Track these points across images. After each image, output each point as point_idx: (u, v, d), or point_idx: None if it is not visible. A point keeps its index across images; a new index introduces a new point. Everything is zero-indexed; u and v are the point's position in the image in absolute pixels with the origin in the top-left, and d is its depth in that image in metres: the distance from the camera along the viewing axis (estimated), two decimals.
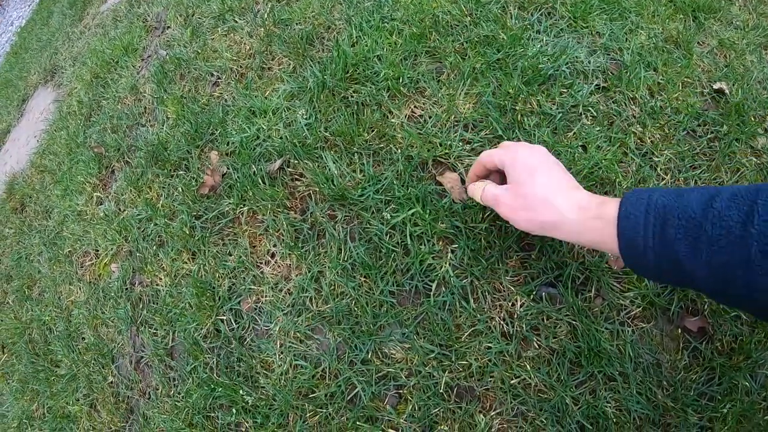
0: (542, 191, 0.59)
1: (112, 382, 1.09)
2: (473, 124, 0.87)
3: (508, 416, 0.79)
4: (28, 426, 1.48)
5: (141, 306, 1.07)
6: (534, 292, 0.81)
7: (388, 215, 0.81)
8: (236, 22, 1.21)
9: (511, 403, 0.79)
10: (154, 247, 1.04)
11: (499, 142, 0.87)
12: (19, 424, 1.51)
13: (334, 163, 0.87)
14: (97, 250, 1.25)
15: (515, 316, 0.80)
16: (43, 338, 1.40)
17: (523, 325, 0.80)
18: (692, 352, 0.81)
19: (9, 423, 1.59)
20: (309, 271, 0.85)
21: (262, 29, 1.12)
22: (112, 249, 1.18)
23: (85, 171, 1.35)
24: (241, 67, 1.11)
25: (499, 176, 0.70)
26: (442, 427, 0.79)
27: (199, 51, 1.22)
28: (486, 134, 0.86)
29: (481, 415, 0.79)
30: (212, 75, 1.15)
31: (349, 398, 0.82)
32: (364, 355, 0.81)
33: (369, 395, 0.80)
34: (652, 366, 0.81)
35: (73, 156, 1.47)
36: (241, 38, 1.16)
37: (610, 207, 0.53)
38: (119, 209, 1.21)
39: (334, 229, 0.85)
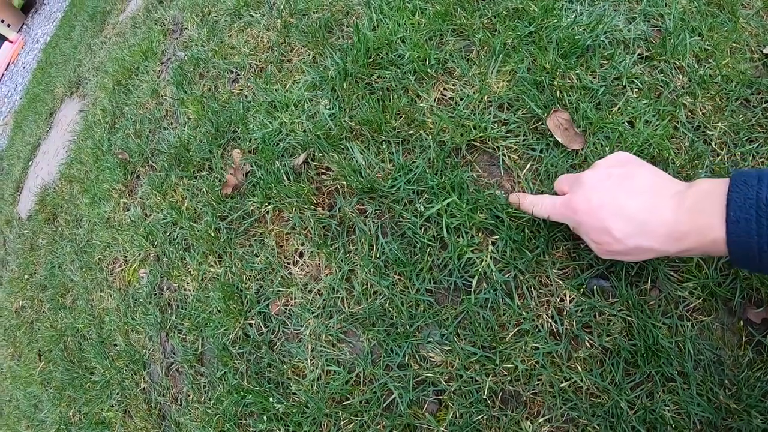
0: (619, 246, 0.53)
1: (144, 389, 1.04)
2: (509, 104, 0.79)
3: (557, 423, 0.71)
4: (66, 431, 1.47)
5: (170, 311, 1.02)
6: (584, 286, 0.72)
7: (422, 207, 0.73)
8: (252, 16, 1.15)
9: (561, 408, 0.70)
10: (181, 251, 0.99)
11: (537, 122, 0.79)
12: (57, 429, 1.50)
13: (361, 153, 0.79)
14: (126, 257, 1.21)
15: (564, 313, 0.71)
16: (77, 346, 1.38)
17: (574, 323, 0.71)
18: (756, 347, 0.71)
19: (48, 428, 1.59)
20: (339, 270, 0.78)
21: (279, 21, 1.06)
22: (139, 254, 1.14)
23: (111, 178, 1.32)
24: (259, 61, 1.05)
25: None
26: None
27: (217, 49, 1.16)
28: (523, 113, 0.78)
29: (528, 422, 0.71)
30: (231, 72, 1.09)
31: (385, 405, 0.75)
32: (401, 359, 0.74)
33: (407, 402, 0.73)
34: (713, 364, 0.72)
35: (99, 164, 1.45)
36: (258, 32, 1.09)
37: (710, 214, 0.45)
38: (145, 214, 1.17)
39: (365, 225, 0.77)
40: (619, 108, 0.79)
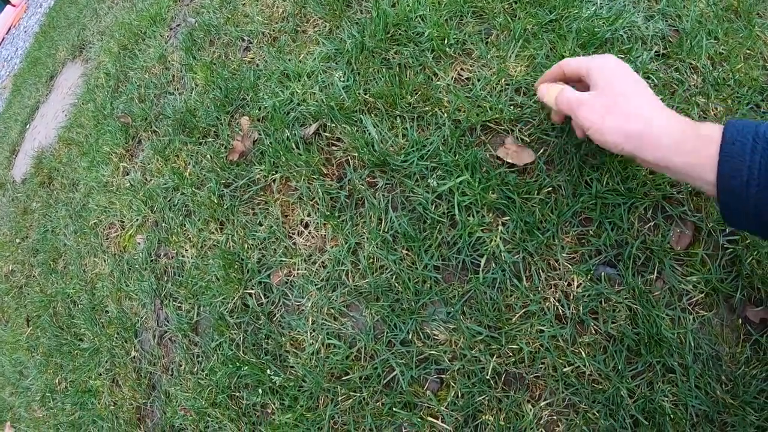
0: (634, 98, 0.51)
1: (134, 357, 1.02)
2: (525, 88, 0.77)
3: (558, 407, 0.70)
4: (51, 399, 1.44)
5: (166, 279, 0.99)
6: (592, 272, 0.71)
7: (435, 183, 0.71)
8: None
9: (563, 393, 0.70)
10: (181, 217, 0.96)
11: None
12: (42, 397, 1.46)
13: (374, 127, 0.77)
14: (123, 222, 1.18)
15: (571, 298, 0.71)
16: (67, 312, 1.35)
17: (580, 308, 0.70)
18: (753, 345, 0.71)
19: (33, 396, 1.55)
20: (346, 243, 0.76)
21: None
22: (137, 220, 1.10)
23: (112, 141, 1.28)
24: (273, 30, 1.02)
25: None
26: (486, 416, 0.70)
27: (230, 16, 1.13)
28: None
29: (530, 405, 0.70)
30: (243, 40, 1.06)
31: (385, 382, 0.74)
32: (404, 336, 0.72)
33: (408, 379, 0.71)
34: (712, 358, 0.72)
35: (100, 127, 1.41)
36: (274, 2, 1.06)
37: (710, 128, 0.46)
38: (145, 179, 1.13)
39: (374, 198, 0.76)
40: None
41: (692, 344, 0.71)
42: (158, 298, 1.00)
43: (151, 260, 1.04)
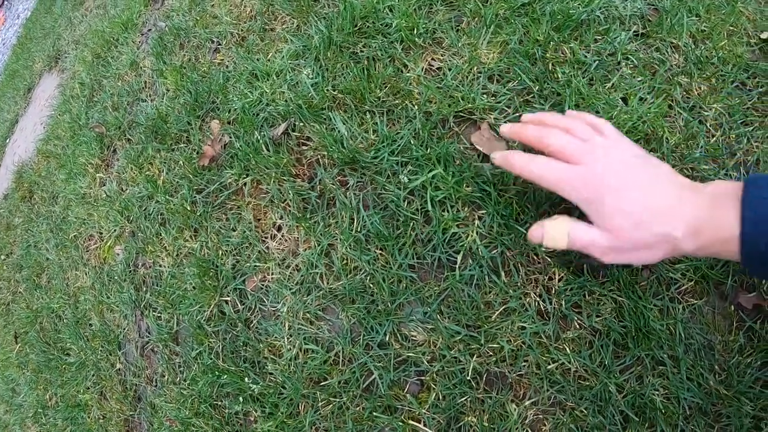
0: (639, 233, 0.47)
1: (119, 369, 1.00)
2: (499, 75, 0.74)
3: (544, 406, 0.67)
4: (43, 415, 1.42)
5: (144, 289, 0.97)
6: (574, 264, 0.68)
7: (406, 178, 0.68)
8: None
9: (548, 391, 0.67)
10: (156, 226, 0.94)
11: (528, 94, 0.74)
12: (35, 413, 1.45)
13: (343, 123, 0.75)
14: (101, 233, 1.15)
15: (553, 292, 0.68)
16: (53, 326, 1.33)
17: (562, 302, 0.67)
18: (747, 333, 0.68)
19: (26, 413, 1.53)
20: (318, 245, 0.73)
21: None
22: (115, 230, 1.08)
23: (87, 152, 1.26)
24: (242, 30, 0.99)
25: None
26: (469, 418, 0.68)
27: (198, 18, 1.10)
28: (513, 85, 0.73)
29: (514, 405, 0.67)
30: (212, 42, 1.04)
31: (365, 386, 0.71)
32: (381, 338, 0.70)
33: (387, 382, 0.69)
34: (704, 348, 0.69)
35: (76, 138, 1.38)
36: (242, 1, 1.03)
37: (727, 217, 0.43)
38: (121, 189, 1.11)
39: (345, 197, 0.73)
40: (613, 84, 0.75)
41: (682, 335, 0.69)
42: (138, 309, 0.98)
43: (130, 271, 1.01)
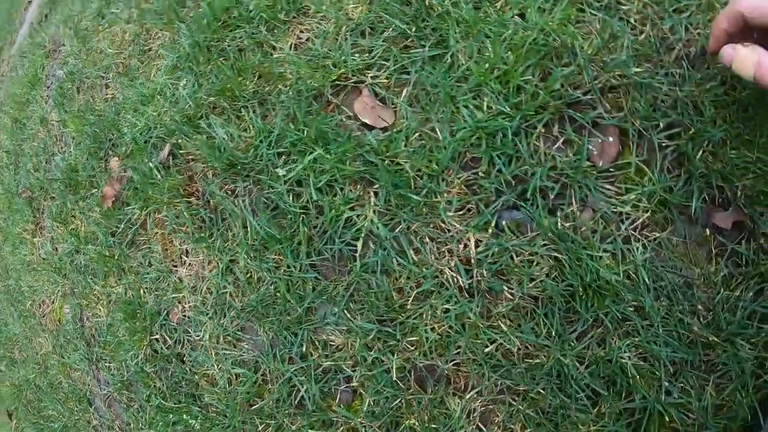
0: None
1: (95, 426, 1.00)
2: (370, 28, 0.64)
3: (490, 395, 0.57)
4: None
5: (93, 343, 0.96)
6: (491, 224, 0.57)
7: (282, 171, 0.61)
8: (113, 12, 1.05)
9: (491, 377, 0.56)
10: (88, 278, 0.93)
11: (405, 39, 0.64)
12: None
13: (222, 128, 0.68)
14: (50, 296, 1.16)
15: (472, 263, 0.57)
16: (36, 397, 1.34)
17: (484, 272, 0.56)
18: (731, 259, 0.56)
19: None
20: (221, 263, 0.67)
21: (135, 9, 0.96)
22: (58, 291, 1.09)
23: (22, 219, 1.27)
24: (124, 58, 0.95)
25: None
26: (409, 421, 0.59)
27: (86, 57, 1.08)
28: (389, 34, 0.63)
29: (456, 399, 0.58)
30: (102, 78, 1.00)
31: (297, 402, 0.64)
32: (298, 348, 0.62)
33: (314, 396, 0.61)
34: (679, 289, 0.56)
35: (11, 208, 1.38)
36: (121, 28, 0.99)
37: None
38: (54, 248, 1.11)
39: (235, 206, 0.66)
40: (505, 1, 0.63)
41: (647, 279, 0.55)
42: (93, 364, 0.97)
43: (78, 328, 1.00)
